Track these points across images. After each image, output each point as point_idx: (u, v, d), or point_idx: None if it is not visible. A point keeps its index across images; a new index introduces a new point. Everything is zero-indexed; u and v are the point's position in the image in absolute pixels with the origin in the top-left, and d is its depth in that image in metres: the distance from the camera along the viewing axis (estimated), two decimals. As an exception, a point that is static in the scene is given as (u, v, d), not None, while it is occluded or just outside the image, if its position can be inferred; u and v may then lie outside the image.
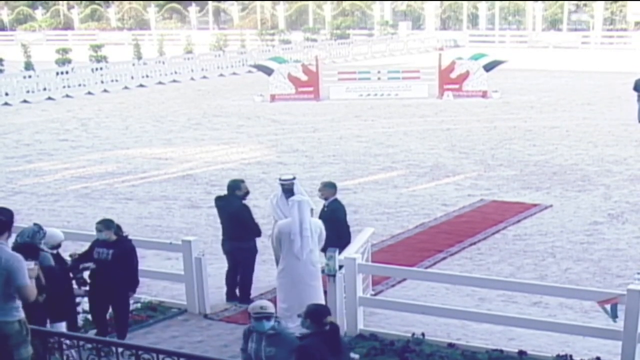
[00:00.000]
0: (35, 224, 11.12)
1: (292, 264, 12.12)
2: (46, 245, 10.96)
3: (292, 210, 12.12)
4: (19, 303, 8.85)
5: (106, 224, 11.58)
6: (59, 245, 11.23)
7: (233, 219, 13.34)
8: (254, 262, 13.50)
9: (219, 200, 13.69)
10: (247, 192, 13.54)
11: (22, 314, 8.92)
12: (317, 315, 8.49)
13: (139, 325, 11.84)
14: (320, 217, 12.90)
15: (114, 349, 8.60)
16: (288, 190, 13.11)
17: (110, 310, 11.81)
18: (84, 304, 12.66)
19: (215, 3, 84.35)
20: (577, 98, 36.88)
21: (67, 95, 40.53)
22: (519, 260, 15.39)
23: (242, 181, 13.71)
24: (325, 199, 13.41)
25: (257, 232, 13.49)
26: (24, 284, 8.75)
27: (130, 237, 11.87)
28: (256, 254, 13.55)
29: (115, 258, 11.35)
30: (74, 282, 11.50)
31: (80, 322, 11.94)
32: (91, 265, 11.61)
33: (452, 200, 19.73)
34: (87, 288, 12.01)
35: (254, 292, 13.63)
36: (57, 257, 11.18)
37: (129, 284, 11.55)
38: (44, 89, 40.21)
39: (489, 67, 37.20)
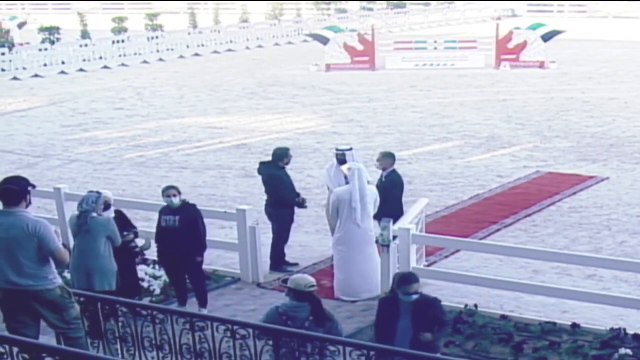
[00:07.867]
0: (92, 191, 11.18)
1: (351, 231, 12.13)
2: (100, 209, 10.95)
3: (352, 177, 12.11)
4: (54, 269, 8.99)
5: (176, 188, 11.64)
6: (109, 206, 11.28)
7: (268, 185, 13.50)
8: (287, 230, 13.57)
9: (260, 166, 13.79)
10: (288, 162, 13.58)
11: (59, 280, 9.09)
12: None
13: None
14: (377, 188, 12.80)
15: (168, 316, 8.70)
16: (342, 160, 13.11)
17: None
18: (139, 271, 12.79)
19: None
20: (635, 69, 36.25)
21: (123, 64, 40.79)
22: (574, 233, 15.26)
23: (288, 149, 13.74)
24: (384, 169, 13.29)
25: (290, 202, 13.46)
26: (56, 248, 8.89)
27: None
28: (291, 223, 13.60)
29: (182, 224, 11.38)
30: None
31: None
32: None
33: (507, 171, 19.59)
34: (139, 258, 12.12)
35: (307, 262, 13.71)
36: (122, 217, 11.31)
37: (197, 248, 11.57)
38: (100, 58, 40.46)
39: (547, 37, 36.71)
